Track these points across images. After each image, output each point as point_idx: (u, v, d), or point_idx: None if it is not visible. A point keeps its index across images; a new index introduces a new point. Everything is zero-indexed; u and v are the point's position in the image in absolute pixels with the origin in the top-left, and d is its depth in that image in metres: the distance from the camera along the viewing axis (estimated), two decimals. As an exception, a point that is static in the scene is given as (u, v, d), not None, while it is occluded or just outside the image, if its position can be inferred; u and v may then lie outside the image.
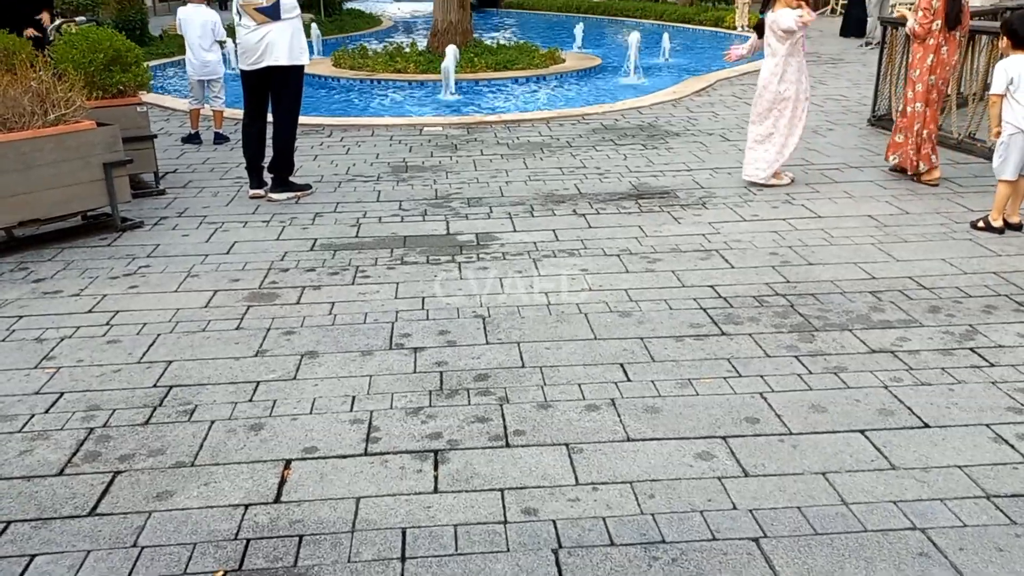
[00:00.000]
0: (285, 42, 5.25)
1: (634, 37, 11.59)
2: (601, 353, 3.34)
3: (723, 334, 3.51)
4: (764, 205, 5.43)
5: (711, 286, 4.04)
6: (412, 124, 8.31)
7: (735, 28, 18.52)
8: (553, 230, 4.95)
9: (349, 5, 26.48)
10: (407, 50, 13.54)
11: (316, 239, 4.83)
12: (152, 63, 13.23)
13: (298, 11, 5.35)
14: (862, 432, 2.75)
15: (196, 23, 7.20)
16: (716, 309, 3.77)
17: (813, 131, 7.74)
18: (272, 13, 5.20)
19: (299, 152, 7.06)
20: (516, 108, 9.85)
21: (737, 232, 4.87)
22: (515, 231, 4.96)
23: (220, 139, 7.45)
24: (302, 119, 8.54)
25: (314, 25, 15.88)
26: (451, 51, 10.45)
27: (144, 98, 10.11)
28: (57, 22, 6.96)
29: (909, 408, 2.90)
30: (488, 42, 14.42)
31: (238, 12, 5.27)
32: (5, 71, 4.82)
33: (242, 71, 5.46)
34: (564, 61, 13.19)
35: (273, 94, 5.50)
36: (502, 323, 3.64)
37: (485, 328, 3.59)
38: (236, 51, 5.45)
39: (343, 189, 5.95)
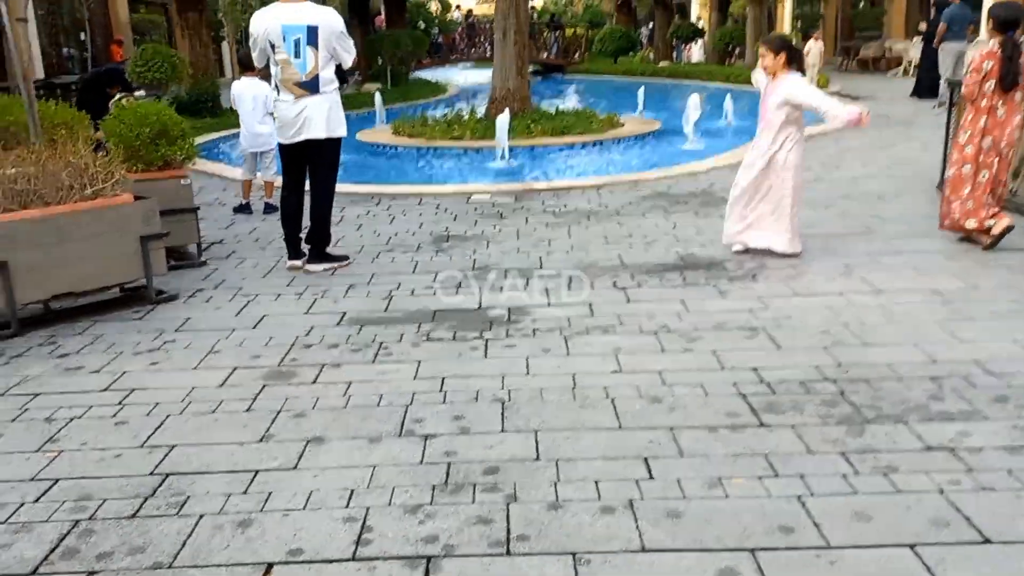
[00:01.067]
0: (323, 115, 5.25)
1: (693, 100, 11.42)
2: (625, 445, 3.08)
3: (762, 425, 3.21)
4: (819, 278, 5.11)
5: (754, 369, 3.75)
6: (461, 192, 8.26)
7: (801, 90, 18.21)
8: (589, 304, 4.73)
9: (417, 74, 27.18)
10: (465, 117, 13.67)
11: (345, 312, 4.72)
12: (220, 134, 13.71)
13: (336, 84, 5.35)
14: (911, 547, 2.41)
15: (249, 96, 7.34)
16: (757, 396, 3.47)
17: (878, 197, 7.40)
18: (311, 87, 5.21)
19: (344, 221, 7.07)
20: (570, 174, 9.74)
21: (787, 308, 4.57)
22: (549, 305, 4.75)
23: (270, 209, 7.51)
24: (351, 188, 8.66)
25: (377, 95, 16.23)
26: (504, 117, 10.45)
27: (206, 167, 10.45)
28: (117, 96, 7.19)
29: (967, 518, 2.55)
30: (548, 108, 14.48)
31: (276, 87, 5.30)
32: (48, 145, 4.92)
33: (280, 144, 5.47)
34: (623, 126, 13.11)
35: (310, 166, 5.49)
36: (522, 408, 3.41)
37: (503, 413, 3.37)
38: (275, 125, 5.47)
39: (381, 260, 5.87)
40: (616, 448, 3.06)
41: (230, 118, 15.78)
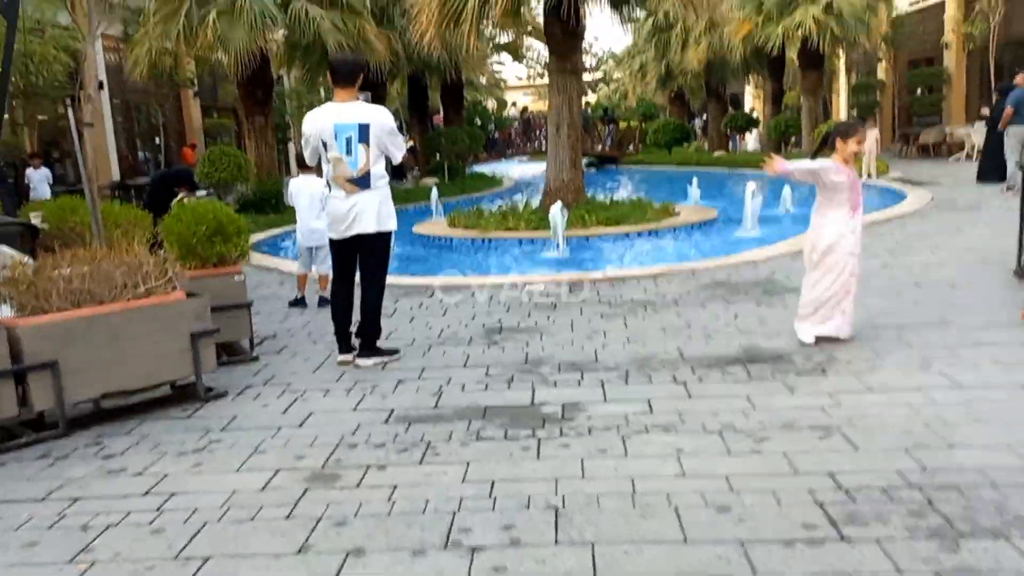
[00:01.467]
0: (374, 210, 5.24)
1: (750, 187, 11.28)
2: (689, 561, 2.81)
3: (843, 538, 2.91)
4: (894, 372, 4.78)
5: (830, 473, 3.44)
6: (514, 283, 8.17)
7: (863, 176, 17.95)
8: (648, 400, 4.49)
9: (474, 168, 27.75)
10: (520, 209, 13.74)
11: (393, 409, 4.57)
12: (282, 230, 14.02)
13: (386, 179, 5.36)
14: None
15: (306, 193, 7.44)
16: (835, 504, 3.17)
17: (950, 285, 7.05)
18: (362, 183, 5.22)
19: (397, 314, 7.00)
20: (625, 264, 9.60)
21: (863, 405, 4.26)
22: (605, 401, 4.53)
23: (324, 302, 7.50)
24: (404, 280, 8.65)
25: (434, 189, 16.51)
26: (557, 207, 10.43)
27: (265, 262, 10.62)
28: (180, 195, 7.37)
29: (1095, 657, 2.21)
30: (602, 199, 14.48)
31: (328, 184, 5.33)
32: (108, 244, 4.99)
33: (331, 240, 5.47)
34: (678, 215, 12.99)
35: (361, 260, 5.46)
36: (576, 516, 3.17)
37: (556, 522, 3.13)
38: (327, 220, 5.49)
39: (432, 353, 5.74)
40: (680, 565, 2.79)
41: (291, 215, 16.14)
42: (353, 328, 5.63)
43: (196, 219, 5.56)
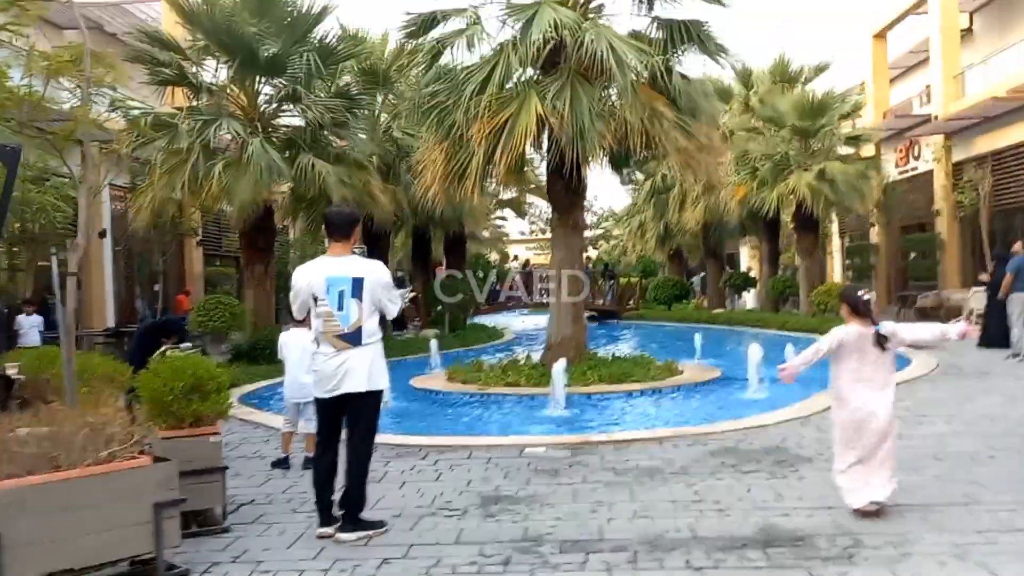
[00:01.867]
0: (365, 367, 4.94)
1: (754, 350, 11.03)
2: None
3: None
4: (927, 560, 4.32)
5: None
6: (513, 444, 7.74)
7: (863, 337, 17.77)
8: (660, 591, 4.01)
9: (476, 320, 27.70)
10: (521, 363, 13.45)
11: (374, 597, 4.08)
12: (274, 381, 13.63)
13: (379, 335, 5.09)
14: None
15: (296, 346, 7.16)
16: None
17: (971, 458, 6.65)
18: (353, 339, 4.95)
19: (386, 478, 6.56)
20: (628, 424, 9.20)
21: (900, 601, 3.79)
22: (613, 591, 4.05)
23: (310, 463, 7.05)
24: (398, 439, 8.21)
25: (433, 340, 16.29)
26: (559, 365, 10.14)
27: (252, 416, 10.20)
28: (164, 347, 7.09)
29: None
30: (604, 354, 14.23)
31: (316, 340, 5.05)
32: (82, 401, 4.66)
33: (317, 399, 5.14)
34: (682, 373, 12.69)
35: (349, 421, 5.11)
36: None
37: None
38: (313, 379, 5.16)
39: (422, 526, 5.27)
40: None
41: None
42: (336, 495, 5.19)
43: (174, 374, 5.24)
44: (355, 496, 5.07)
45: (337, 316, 4.92)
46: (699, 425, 8.38)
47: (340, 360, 4.93)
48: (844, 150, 22.92)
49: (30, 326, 14.17)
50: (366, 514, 5.19)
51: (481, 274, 30.20)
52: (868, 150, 25.50)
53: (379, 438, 8.32)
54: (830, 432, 7.78)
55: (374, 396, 5.04)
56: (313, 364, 5.10)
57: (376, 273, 5.04)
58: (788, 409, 9.11)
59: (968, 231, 25.17)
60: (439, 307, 22.97)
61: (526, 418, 9.87)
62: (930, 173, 26.31)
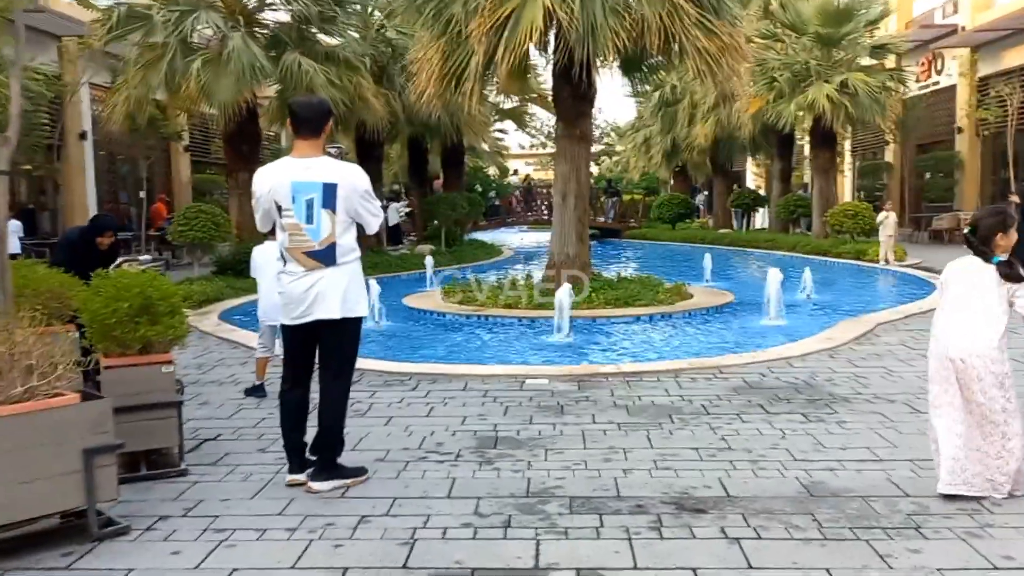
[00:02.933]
0: (339, 291, 4.12)
1: (773, 275, 10.21)
2: None
3: None
4: (1013, 534, 3.61)
5: None
6: (513, 375, 7.00)
7: (879, 262, 16.96)
8: (694, 570, 3.30)
9: (473, 236, 26.83)
10: (521, 283, 12.67)
11: (345, 570, 3.36)
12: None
13: (357, 254, 4.26)
14: None
15: (271, 262, 6.32)
16: None
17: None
18: (326, 258, 4.11)
19: (371, 411, 5.84)
20: (638, 353, 8.46)
21: (987, 588, 3.08)
22: (636, 567, 3.34)
23: (253, 392, 6.37)
24: (386, 365, 7.47)
25: (428, 257, 15.47)
26: (565, 288, 9.35)
27: (232, 335, 9.45)
28: (119, 260, 6.26)
29: None
30: (608, 275, 13.44)
31: (282, 257, 4.22)
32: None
33: (283, 326, 4.33)
34: (692, 297, 11.93)
35: (322, 354, 4.32)
36: None
37: None
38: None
39: (408, 474, 4.55)
40: None
41: (274, 278, 15.09)
42: (310, 436, 4.45)
43: (117, 293, 4.42)
44: (331, 440, 4.33)
45: (306, 230, 4.07)
46: (717, 356, 7.63)
47: (310, 282, 4.10)
48: (866, 61, 21.63)
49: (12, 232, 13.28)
50: (344, 459, 4.46)
51: (480, 188, 29.25)
52: (890, 62, 24.16)
53: (366, 364, 7.67)
54: (863, 367, 7.09)
55: (351, 325, 4.24)
56: (279, 285, 4.27)
57: (352, 178, 4.16)
58: (813, 339, 8.36)
59: (989, 150, 24.12)
60: (435, 222, 22.06)
61: (527, 344, 9.13)
62: (952, 88, 25.06)
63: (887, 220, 17.03)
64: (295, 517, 3.94)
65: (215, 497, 4.23)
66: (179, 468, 4.62)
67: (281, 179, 4.10)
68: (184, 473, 4.59)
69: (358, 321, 4.28)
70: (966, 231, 4.10)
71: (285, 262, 4.19)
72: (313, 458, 4.39)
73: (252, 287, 13.62)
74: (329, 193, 4.04)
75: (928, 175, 26.85)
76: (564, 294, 9.31)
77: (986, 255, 3.99)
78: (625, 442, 5.06)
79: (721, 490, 4.19)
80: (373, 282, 10.98)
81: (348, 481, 4.33)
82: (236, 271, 14.68)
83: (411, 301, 12.15)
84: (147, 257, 6.37)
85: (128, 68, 13.73)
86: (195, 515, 3.99)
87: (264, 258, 6.40)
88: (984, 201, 24.44)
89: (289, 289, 4.17)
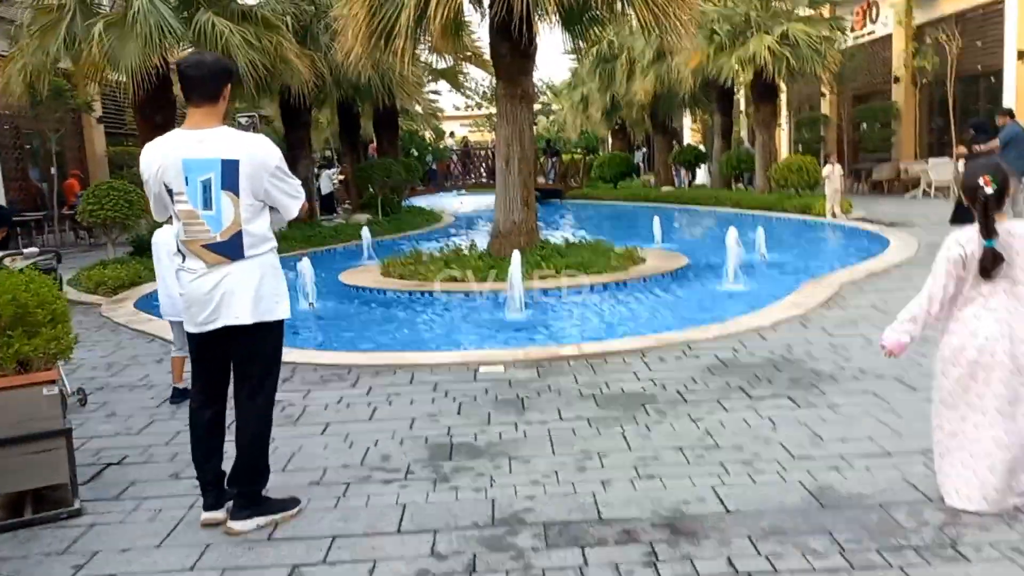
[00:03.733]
0: (249, 291, 3.36)
1: (732, 235, 9.68)
2: None
3: None
4: (1062, 544, 3.11)
5: None
6: (465, 362, 6.33)
7: (826, 216, 16.68)
8: (705, 621, 2.70)
9: (412, 201, 25.89)
10: (466, 253, 11.95)
11: (275, 651, 2.67)
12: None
13: (271, 244, 3.49)
14: None
15: (169, 250, 5.48)
16: None
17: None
18: (230, 251, 3.34)
19: (304, 418, 5.11)
20: (598, 328, 7.85)
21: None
22: (635, 623, 2.73)
23: (177, 397, 5.59)
24: (321, 357, 6.72)
25: (365, 229, 14.59)
26: (516, 260, 8.66)
27: (150, 327, 8.51)
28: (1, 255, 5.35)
29: None
30: (555, 240, 12.80)
31: (180, 251, 3.43)
32: None
33: (189, 334, 3.55)
34: (645, 261, 11.37)
35: (235, 366, 3.55)
36: None
37: None
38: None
39: (350, 501, 3.85)
40: None
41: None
42: (230, 465, 3.71)
43: (-18, 303, 3.59)
44: (252, 468, 3.61)
45: (204, 217, 3.27)
46: (684, 330, 7.05)
47: (213, 280, 3.33)
48: (803, 12, 21.23)
49: None
50: (273, 484, 3.75)
51: (416, 152, 28.23)
52: (826, 12, 23.83)
53: (299, 356, 6.88)
54: (840, 336, 6.61)
55: (268, 331, 3.48)
56: (179, 284, 3.48)
57: (259, 153, 3.37)
58: (779, 306, 7.86)
59: (926, 99, 24.09)
60: (371, 189, 21.03)
61: (478, 323, 8.44)
62: (888, 38, 24.90)
63: (833, 173, 16.72)
64: (210, 570, 3.22)
65: (114, 546, 3.47)
66: (72, 508, 3.83)
67: (170, 156, 3.28)
68: (78, 513, 3.81)
69: (277, 326, 3.53)
70: (989, 191, 3.45)
71: (184, 257, 3.40)
72: (234, 490, 3.66)
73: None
74: (230, 171, 3.25)
75: (865, 126, 26.80)
76: (516, 264, 8.64)
77: (990, 225, 3.36)
78: (599, 444, 4.44)
79: (718, 504, 3.61)
80: (306, 259, 10.14)
81: (276, 517, 3.62)
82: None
83: (348, 278, 11.33)
84: (33, 250, 5.46)
85: (23, 33, 12.41)
86: (87, 575, 3.24)
87: (161, 243, 5.57)
88: (922, 151, 24.51)
89: (190, 290, 3.39)
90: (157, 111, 13.75)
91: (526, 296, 8.92)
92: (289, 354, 6.76)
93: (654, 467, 4.06)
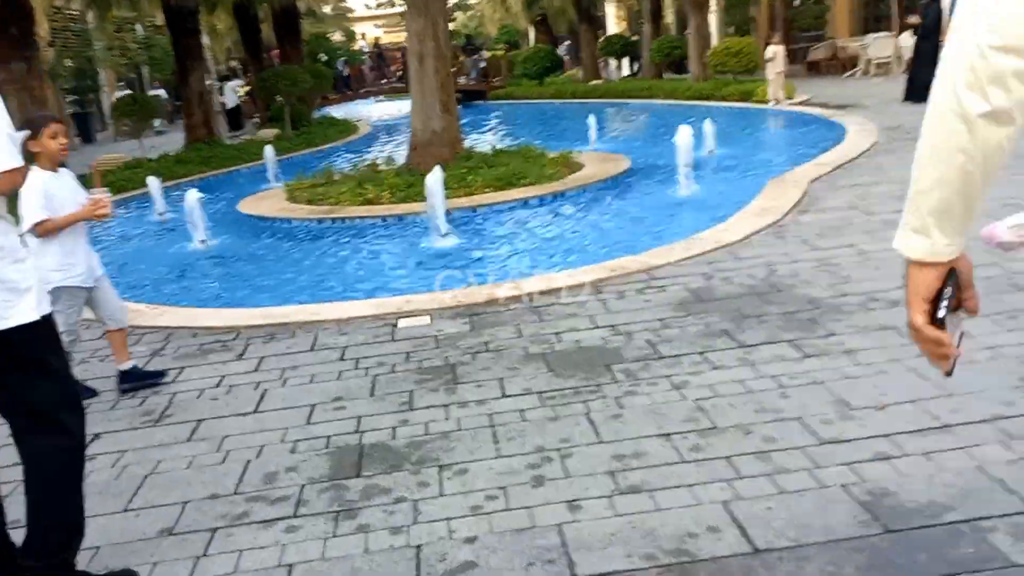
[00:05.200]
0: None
1: (684, 133, 8.49)
2: None
3: None
4: None
5: None
6: (381, 315, 5.11)
7: (768, 102, 15.63)
8: None
9: (324, 111, 23.94)
10: (381, 168, 10.56)
11: None
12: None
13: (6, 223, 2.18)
14: None
15: None
16: None
17: (1054, 277, 4.53)
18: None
19: (169, 413, 3.86)
20: (538, 258, 6.68)
21: None
22: None
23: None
24: (200, 316, 5.43)
25: (268, 147, 12.96)
26: (436, 176, 7.36)
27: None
28: None
29: None
30: (480, 147, 11.47)
31: None
32: None
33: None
34: (582, 167, 10.18)
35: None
36: None
37: None
38: None
39: (212, 563, 2.67)
40: None
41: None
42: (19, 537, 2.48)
43: None
44: (52, 532, 2.39)
45: None
46: (641, 254, 5.91)
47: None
48: None
49: None
50: (97, 547, 2.54)
51: (325, 57, 25.99)
52: None
53: (174, 316, 5.55)
54: (827, 249, 5.57)
55: (20, 342, 2.21)
56: None
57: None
58: (746, 213, 6.79)
59: (861, -28, 22.97)
60: (279, 99, 19.04)
61: (396, 255, 7.18)
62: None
63: (777, 56, 15.57)
64: None
65: None
66: None
67: None
68: None
69: (34, 331, 2.26)
70: None
71: None
72: (33, 564, 2.44)
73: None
74: None
75: (798, 1, 25.60)
76: (435, 181, 7.34)
77: None
78: (557, 432, 3.32)
79: (739, 536, 2.53)
80: (193, 191, 8.63)
81: (97, 608, 2.43)
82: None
83: (248, 206, 9.89)
84: None
85: None
86: None
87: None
88: (856, 27, 23.52)
89: None
90: (10, 21, 11.79)
91: (451, 216, 7.68)
92: (162, 315, 5.45)
93: (638, 471, 2.97)
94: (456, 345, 4.46)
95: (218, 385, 4.26)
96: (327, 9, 38.91)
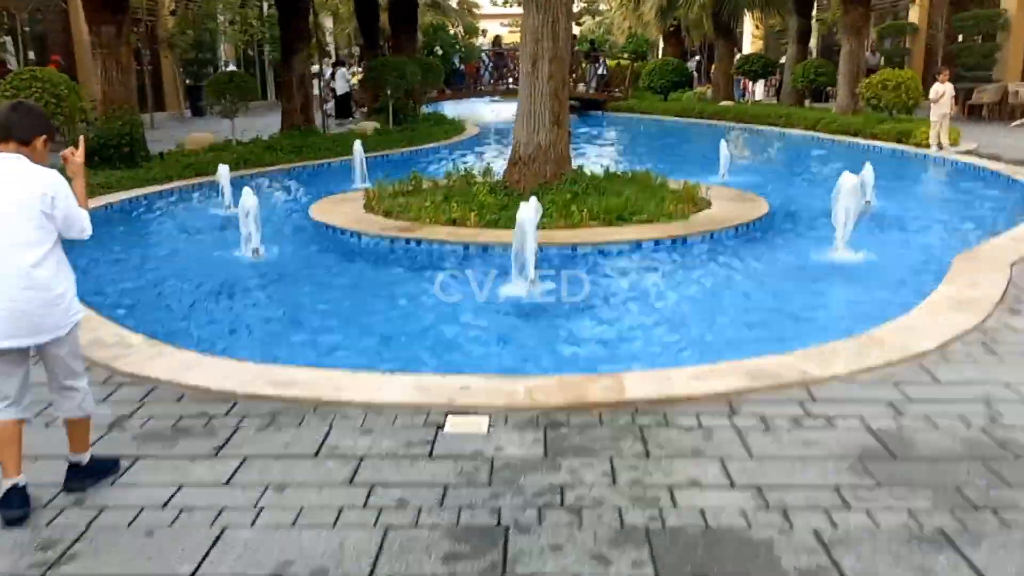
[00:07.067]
0: None
1: (848, 183, 6.70)
2: None
3: None
4: None
5: None
6: (424, 405, 3.68)
7: (930, 147, 13.43)
8: None
9: (437, 107, 22.86)
10: (477, 180, 9.19)
11: None
12: (143, 191, 9.27)
13: None
14: None
15: None
16: None
17: None
18: None
19: (65, 565, 2.50)
20: (650, 333, 5.11)
21: None
22: None
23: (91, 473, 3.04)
24: (193, 373, 4.03)
25: (357, 143, 11.77)
26: (532, 209, 5.88)
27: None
28: None
29: None
30: (592, 167, 9.93)
31: None
32: None
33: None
34: (710, 205, 8.53)
35: None
36: None
37: None
38: None
39: None
40: None
41: (159, 168, 11.45)
42: None
43: None
44: None
45: None
46: (790, 353, 4.25)
47: None
48: None
49: None
50: None
51: (441, 51, 24.94)
52: None
53: (163, 366, 4.24)
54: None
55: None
56: None
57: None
58: (936, 303, 5.03)
59: (1044, 9, 20.30)
60: (388, 91, 17.93)
61: (467, 303, 5.72)
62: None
63: (944, 95, 13.39)
64: None
65: None
66: None
67: None
68: None
69: None
70: None
71: None
72: None
73: (125, 182, 10.15)
74: None
75: (962, 37, 22.96)
76: (529, 217, 5.86)
77: None
78: None
79: None
80: (247, 190, 7.44)
81: None
82: (103, 157, 11.05)
83: (319, 211, 8.67)
84: None
85: None
86: None
87: None
88: (1031, 70, 20.84)
89: None
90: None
91: (544, 254, 6.23)
92: (155, 359, 4.21)
93: None
94: (518, 486, 2.99)
95: (165, 504, 2.92)
96: (452, 2, 38.13)
